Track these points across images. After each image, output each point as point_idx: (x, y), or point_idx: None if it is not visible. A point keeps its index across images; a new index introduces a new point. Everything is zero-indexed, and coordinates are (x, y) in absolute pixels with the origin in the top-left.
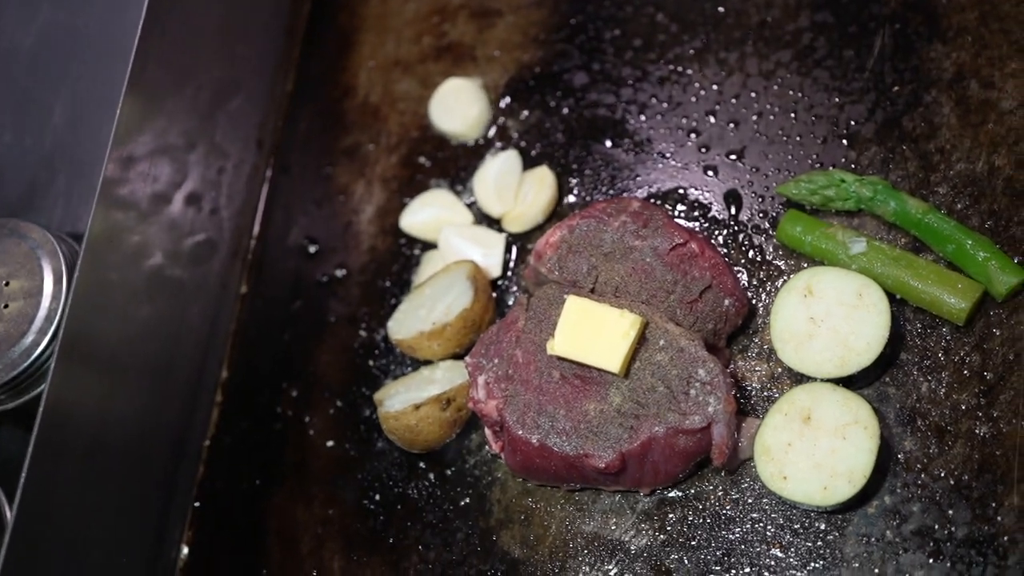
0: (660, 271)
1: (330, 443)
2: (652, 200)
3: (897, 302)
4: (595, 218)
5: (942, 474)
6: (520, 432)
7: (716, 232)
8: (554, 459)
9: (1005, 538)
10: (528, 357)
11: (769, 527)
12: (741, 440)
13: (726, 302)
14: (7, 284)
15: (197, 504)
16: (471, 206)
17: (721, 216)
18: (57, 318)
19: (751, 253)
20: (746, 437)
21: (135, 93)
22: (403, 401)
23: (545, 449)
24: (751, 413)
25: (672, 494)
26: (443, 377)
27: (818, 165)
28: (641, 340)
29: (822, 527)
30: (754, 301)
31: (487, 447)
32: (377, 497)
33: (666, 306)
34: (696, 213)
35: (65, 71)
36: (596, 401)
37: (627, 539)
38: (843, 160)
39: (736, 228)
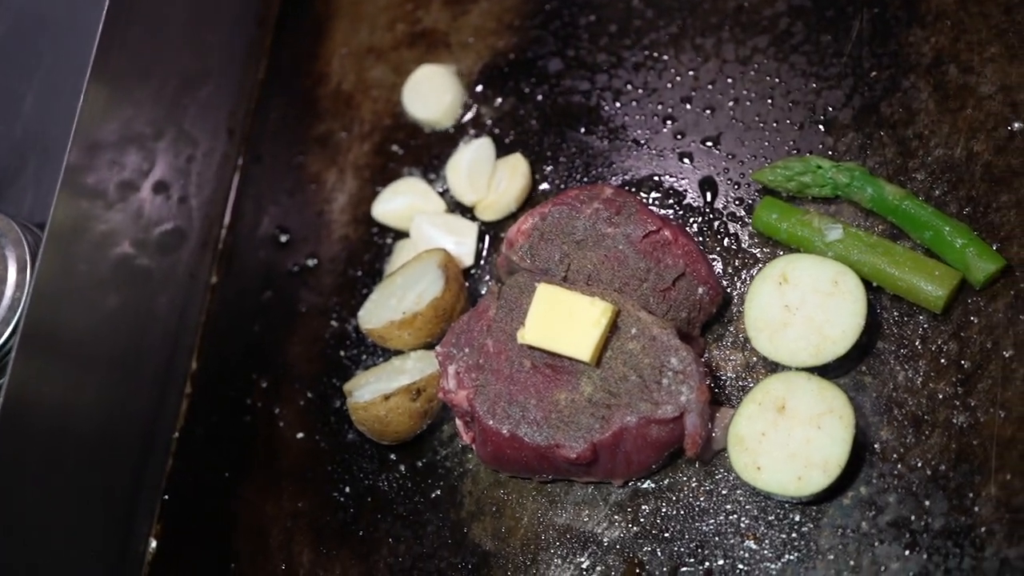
0: (633, 259)
1: (300, 435)
2: (627, 187)
3: (873, 290)
4: (567, 205)
5: (919, 464)
6: (491, 422)
7: (691, 219)
8: (525, 450)
9: (982, 529)
10: (499, 346)
11: (743, 518)
12: (715, 430)
13: (700, 290)
14: None
15: (166, 497)
16: (444, 194)
17: (696, 203)
18: (20, 307)
19: (726, 241)
20: (720, 427)
21: (99, 81)
22: (372, 391)
23: (516, 439)
24: (725, 403)
25: (645, 485)
26: (414, 367)
27: (795, 151)
28: (613, 329)
29: (797, 518)
30: (729, 289)
31: (458, 438)
32: (347, 489)
33: (639, 294)
34: (671, 200)
35: (35, 59)
36: (567, 391)
37: (600, 531)
38: (820, 146)
39: (711, 215)
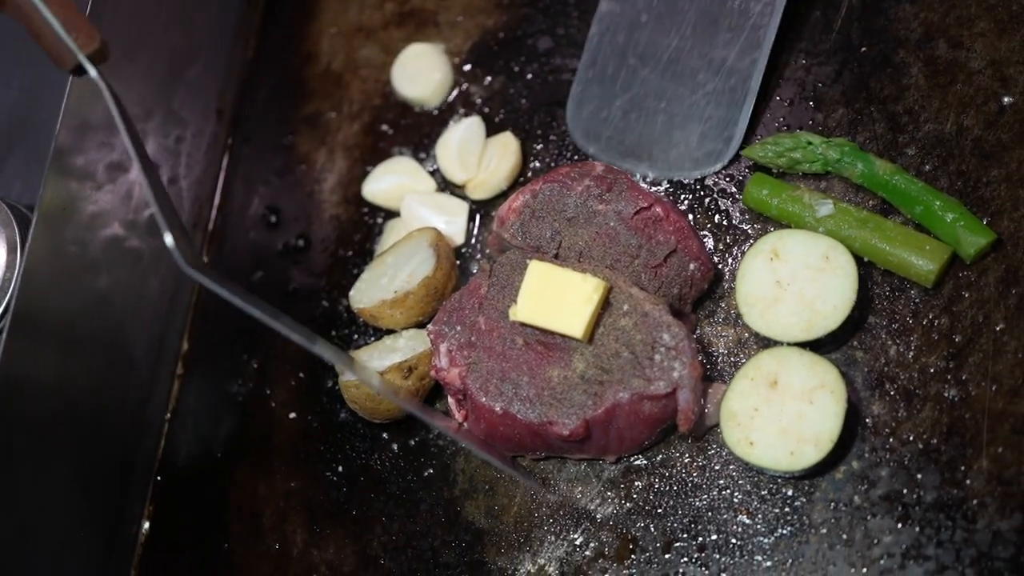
0: (624, 235)
1: (292, 415)
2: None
3: (864, 265)
4: (558, 183)
5: (910, 438)
6: (483, 400)
7: (682, 196)
8: (518, 427)
9: (974, 502)
10: (491, 324)
11: (736, 494)
12: (707, 406)
13: (691, 266)
14: None
15: (158, 478)
16: (434, 173)
17: (687, 180)
18: (11, 289)
19: (717, 217)
20: (712, 403)
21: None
22: None
23: (509, 416)
24: (717, 378)
25: (638, 462)
26: (405, 346)
27: (785, 127)
28: (605, 305)
29: (789, 493)
30: (720, 265)
31: (451, 416)
32: (340, 469)
33: (630, 271)
34: None
35: (23, 39)
36: (560, 367)
37: (593, 507)
38: (810, 122)
39: (702, 192)
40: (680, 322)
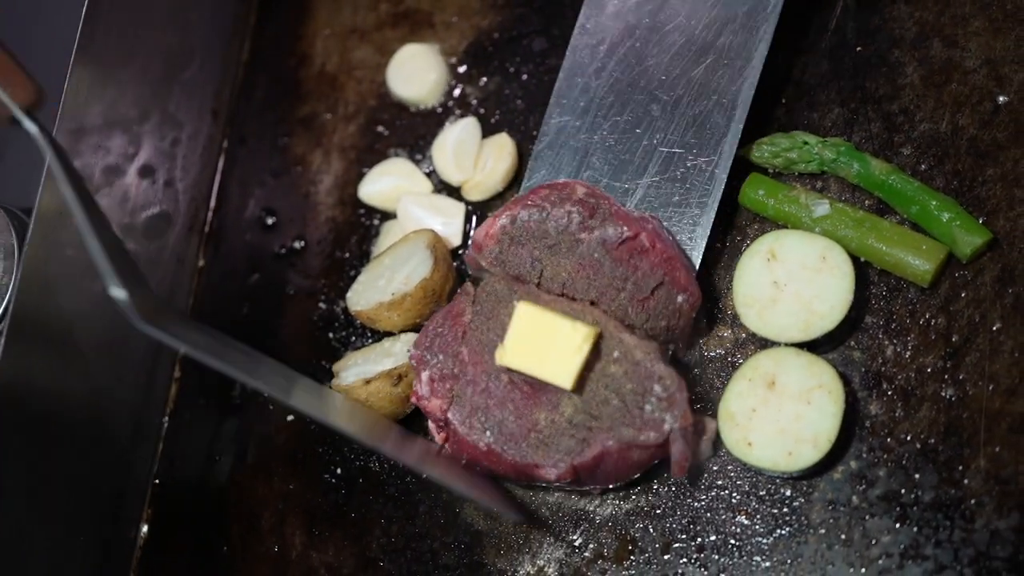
0: (609, 267)
1: (290, 417)
2: None
3: (861, 265)
4: (537, 207)
5: (908, 438)
6: (466, 435)
7: None
8: (502, 464)
9: (972, 501)
10: (475, 356)
11: (734, 494)
12: (700, 443)
13: (679, 298)
14: None
15: (156, 482)
16: (430, 175)
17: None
18: (8, 294)
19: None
20: (705, 439)
21: (84, 63)
22: (355, 374)
23: (493, 454)
24: (714, 380)
25: None
26: (401, 351)
27: (781, 128)
28: (595, 350)
29: (788, 493)
30: (717, 266)
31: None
32: (338, 471)
33: (616, 304)
34: None
35: (18, 42)
36: (547, 410)
37: (591, 509)
38: (806, 122)
39: None
40: (672, 371)
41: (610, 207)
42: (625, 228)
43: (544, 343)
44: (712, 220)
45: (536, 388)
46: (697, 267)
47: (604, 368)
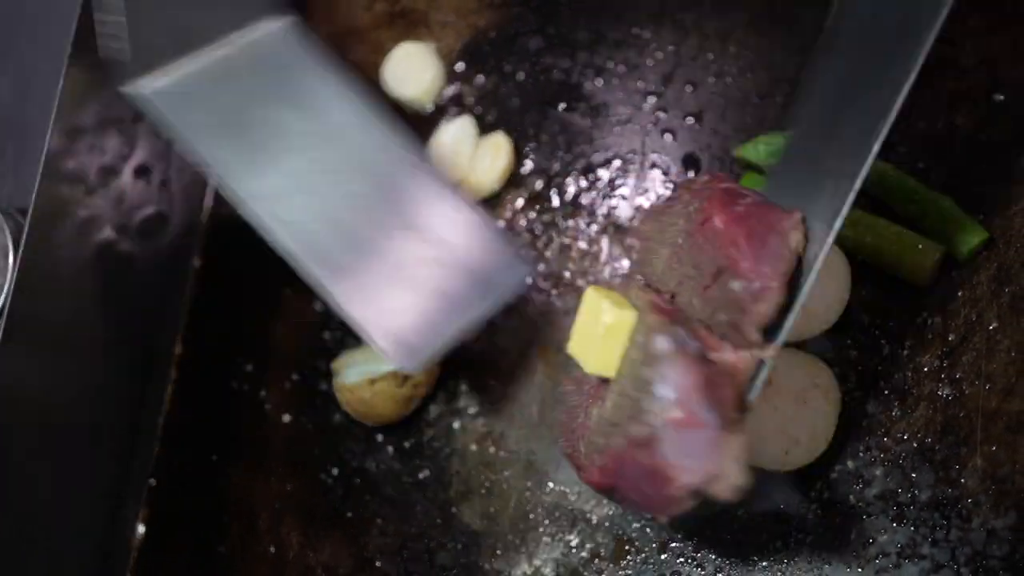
0: (686, 254)
1: (287, 417)
2: (609, 164)
3: (857, 264)
4: (669, 200)
5: (905, 437)
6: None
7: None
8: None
9: (969, 500)
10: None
11: None
12: (726, 463)
13: (736, 286)
14: None
15: (153, 482)
16: None
17: (680, 179)
18: (4, 294)
19: None
20: (729, 459)
21: (78, 63)
22: (359, 373)
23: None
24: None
25: None
26: None
27: (776, 126)
28: (632, 338)
29: (785, 492)
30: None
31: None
32: (335, 471)
33: (686, 296)
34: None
35: (11, 44)
36: (597, 405)
37: (588, 509)
38: None
39: None
40: (679, 364)
41: (709, 191)
42: (707, 210)
43: (591, 330)
44: None
45: (598, 384)
46: None
47: (630, 356)
